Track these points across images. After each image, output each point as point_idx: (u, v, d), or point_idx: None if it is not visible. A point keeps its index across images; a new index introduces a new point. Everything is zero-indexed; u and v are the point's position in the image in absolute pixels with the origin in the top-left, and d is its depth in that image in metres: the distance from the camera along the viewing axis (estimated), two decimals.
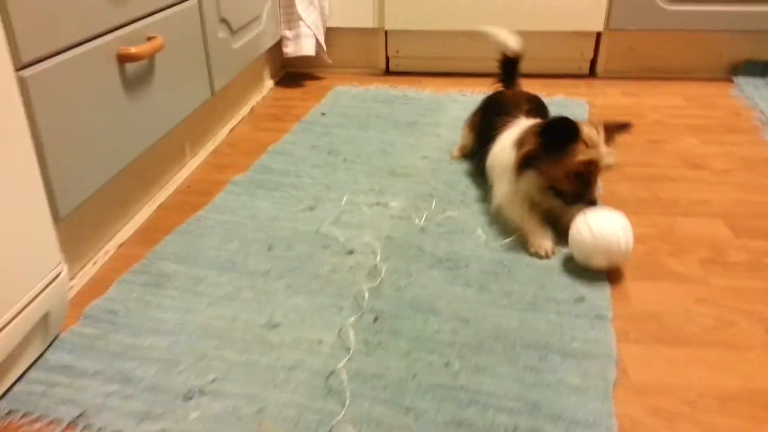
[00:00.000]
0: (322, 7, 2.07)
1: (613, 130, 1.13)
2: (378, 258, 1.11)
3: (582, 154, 1.09)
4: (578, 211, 1.11)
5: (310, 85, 2.15)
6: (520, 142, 1.18)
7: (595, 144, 1.09)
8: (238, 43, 1.59)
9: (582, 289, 1.04)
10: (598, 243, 1.05)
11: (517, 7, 2.05)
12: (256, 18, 1.74)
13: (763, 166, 1.50)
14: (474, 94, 1.96)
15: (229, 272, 1.06)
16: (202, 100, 1.38)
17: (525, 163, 1.15)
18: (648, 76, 2.16)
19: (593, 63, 2.19)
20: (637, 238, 1.19)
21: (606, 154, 1.10)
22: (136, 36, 1.08)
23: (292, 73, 2.24)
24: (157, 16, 1.16)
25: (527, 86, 1.56)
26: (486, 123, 1.40)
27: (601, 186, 1.16)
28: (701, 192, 1.38)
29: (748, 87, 2.02)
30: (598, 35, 2.12)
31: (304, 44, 2.06)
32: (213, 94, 1.44)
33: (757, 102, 1.90)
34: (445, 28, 2.11)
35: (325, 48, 2.11)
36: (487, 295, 1.02)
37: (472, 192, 1.37)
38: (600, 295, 1.02)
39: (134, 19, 1.08)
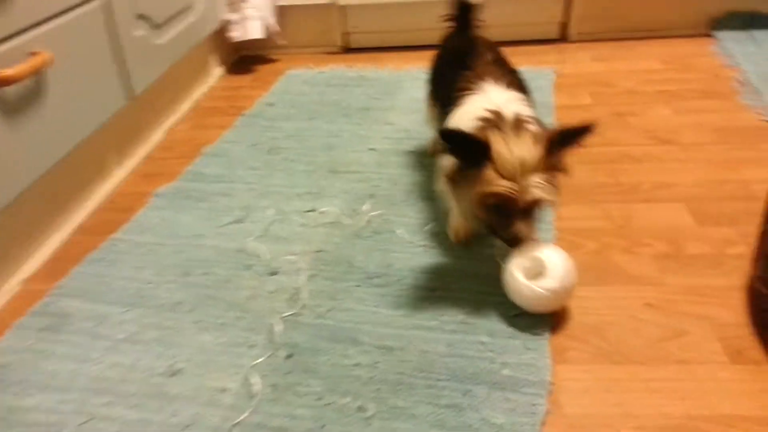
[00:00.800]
0: None
1: (560, 142, 0.84)
2: (302, 278, 1.02)
3: (491, 183, 0.83)
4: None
5: (263, 69, 2.02)
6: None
7: (515, 175, 0.82)
8: (163, 38, 1.47)
9: None
10: (534, 298, 0.89)
11: None
12: (188, 6, 1.61)
13: (737, 136, 1.38)
14: None
15: (136, 308, 0.98)
16: (117, 107, 1.28)
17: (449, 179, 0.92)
18: (623, 36, 2.01)
19: (565, 26, 2.05)
20: (590, 235, 1.10)
21: (536, 185, 0.82)
22: (13, 54, 0.97)
23: (246, 57, 2.12)
24: (44, 27, 1.05)
25: None
26: (443, 81, 1.13)
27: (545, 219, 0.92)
28: (667, 173, 1.27)
29: (730, 42, 1.88)
30: None
31: (250, 27, 1.93)
32: (132, 98, 1.33)
33: (738, 60, 1.77)
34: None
35: (277, 28, 1.98)
36: (416, 317, 0.93)
37: (418, 188, 1.27)
38: None
39: (9, 35, 0.97)
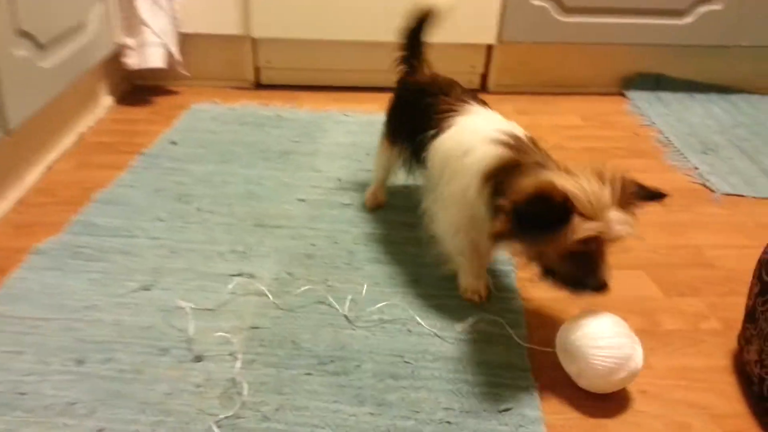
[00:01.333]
0: (172, 10, 1.71)
1: (633, 193, 0.80)
2: (238, 364, 0.82)
3: (579, 231, 0.75)
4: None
5: (161, 102, 1.78)
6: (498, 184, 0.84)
7: (596, 212, 0.75)
8: (49, 61, 1.22)
9: (506, 393, 0.81)
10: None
11: (400, 16, 1.81)
12: (80, 26, 1.36)
13: (674, 198, 1.36)
14: (359, 114, 1.70)
15: (12, 411, 0.72)
16: None
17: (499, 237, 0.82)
18: (541, 90, 2.01)
19: (485, 77, 2.01)
20: (562, 309, 0.98)
21: (618, 221, 0.76)
22: None
23: (140, 87, 1.86)
24: None
25: None
26: (410, 118, 1.07)
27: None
28: None
29: (642, 102, 1.93)
30: (489, 48, 1.94)
31: (150, 55, 1.69)
32: (7, 133, 1.06)
33: (653, 120, 1.81)
34: (320, 37, 1.83)
35: (179, 58, 1.76)
36: (386, 414, 0.76)
37: (361, 248, 1.11)
38: (529, 399, 0.80)
39: None
